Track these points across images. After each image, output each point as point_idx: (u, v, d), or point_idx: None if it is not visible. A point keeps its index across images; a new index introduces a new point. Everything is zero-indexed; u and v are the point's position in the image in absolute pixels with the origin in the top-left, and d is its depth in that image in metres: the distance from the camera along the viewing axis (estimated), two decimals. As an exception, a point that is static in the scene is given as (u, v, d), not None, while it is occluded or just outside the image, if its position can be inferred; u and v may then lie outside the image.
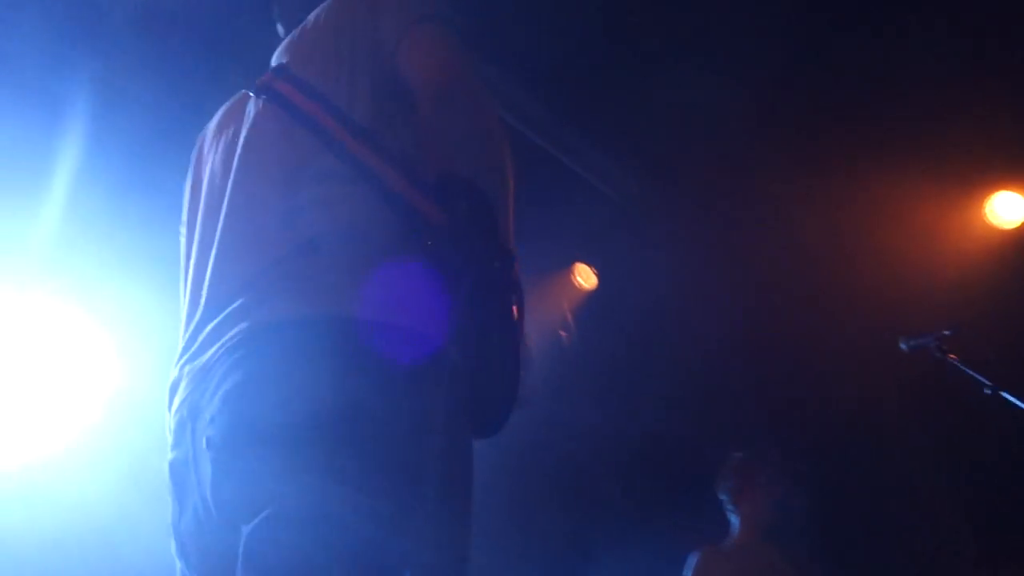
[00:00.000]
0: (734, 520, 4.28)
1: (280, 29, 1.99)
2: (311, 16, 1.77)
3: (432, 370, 1.43)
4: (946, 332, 3.74)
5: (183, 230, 1.84)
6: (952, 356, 3.72)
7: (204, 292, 1.60)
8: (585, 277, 5.83)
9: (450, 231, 1.45)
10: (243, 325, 1.46)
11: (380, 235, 1.49)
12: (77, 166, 3.82)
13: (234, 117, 1.79)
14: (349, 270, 1.46)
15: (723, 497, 4.34)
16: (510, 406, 1.55)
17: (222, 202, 1.64)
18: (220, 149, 1.76)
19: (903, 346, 3.85)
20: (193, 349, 1.58)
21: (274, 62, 1.82)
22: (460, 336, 1.46)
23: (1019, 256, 5.63)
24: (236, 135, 1.72)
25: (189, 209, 1.82)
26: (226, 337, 1.48)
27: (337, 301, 1.44)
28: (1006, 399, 3.53)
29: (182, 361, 1.61)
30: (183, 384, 1.58)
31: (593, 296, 5.77)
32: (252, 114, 1.71)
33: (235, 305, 1.50)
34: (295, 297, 1.46)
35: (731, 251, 5.74)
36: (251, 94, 1.75)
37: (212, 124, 1.90)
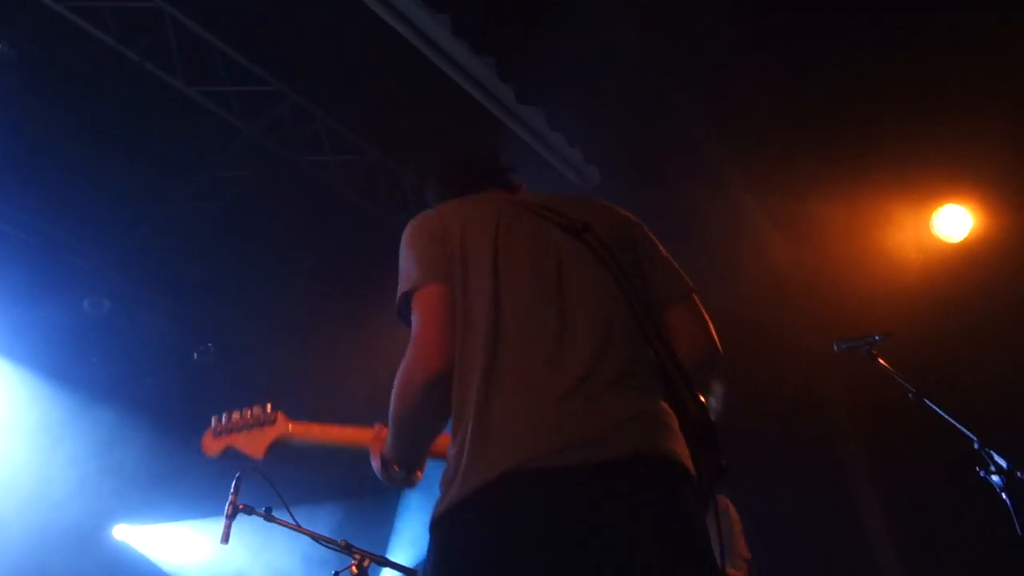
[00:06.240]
0: None
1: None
2: (591, 200, 2.31)
3: None
4: (877, 337, 3.85)
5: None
6: (881, 360, 3.85)
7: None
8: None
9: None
10: None
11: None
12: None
13: (523, 217, 2.12)
14: None
15: None
16: None
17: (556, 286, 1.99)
18: (519, 238, 2.06)
19: (836, 348, 3.96)
20: None
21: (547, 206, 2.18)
22: None
23: (962, 269, 5.78)
24: (543, 241, 2.07)
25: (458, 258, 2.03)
26: None
27: None
28: (927, 405, 3.67)
29: None
30: None
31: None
32: (562, 241, 2.08)
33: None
34: None
35: (685, 244, 5.83)
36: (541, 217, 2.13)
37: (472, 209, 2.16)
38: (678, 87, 5.63)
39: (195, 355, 6.40)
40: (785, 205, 5.84)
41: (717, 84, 5.49)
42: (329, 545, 3.58)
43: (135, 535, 6.81)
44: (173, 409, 6.22)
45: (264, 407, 2.79)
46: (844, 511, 5.89)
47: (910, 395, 3.73)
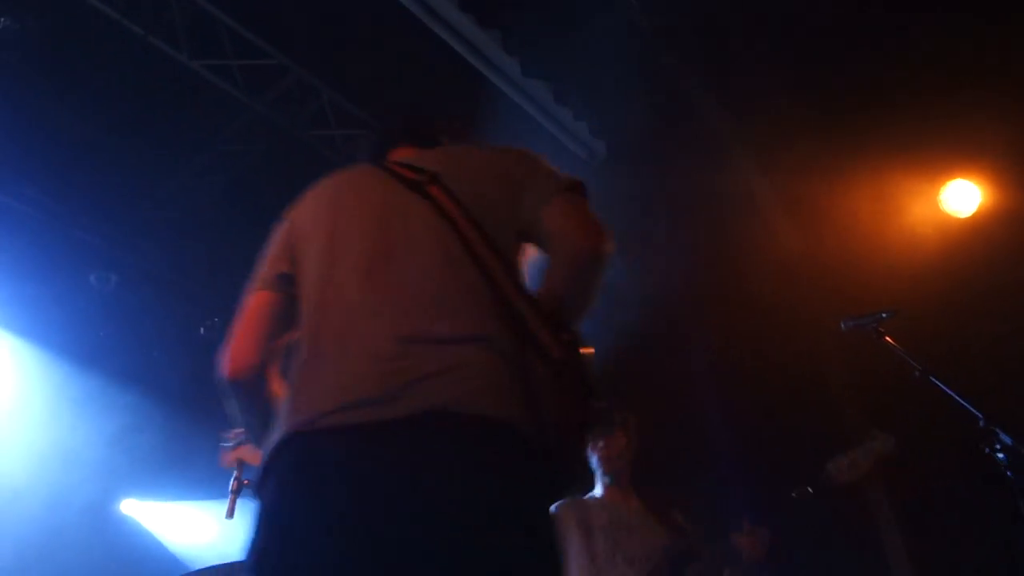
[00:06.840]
0: (597, 471, 4.30)
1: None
2: (466, 148, 2.28)
3: None
4: (883, 315, 3.83)
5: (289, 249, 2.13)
6: (888, 338, 3.83)
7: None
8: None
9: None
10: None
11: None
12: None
13: (366, 186, 2.15)
14: None
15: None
16: None
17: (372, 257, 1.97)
18: (358, 207, 2.10)
19: (843, 326, 3.95)
20: None
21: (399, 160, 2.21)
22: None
23: (971, 244, 5.74)
24: (381, 206, 2.07)
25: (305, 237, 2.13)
26: None
27: None
28: (933, 382, 3.66)
29: None
30: None
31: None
32: (404, 199, 2.05)
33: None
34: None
35: (691, 220, 5.83)
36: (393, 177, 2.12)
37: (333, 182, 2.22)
38: (686, 63, 5.58)
39: (202, 330, 6.41)
40: (792, 182, 5.79)
41: (725, 61, 5.44)
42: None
43: (141, 510, 6.87)
44: (183, 387, 6.23)
45: None
46: (848, 489, 5.88)
47: (916, 373, 3.71)
